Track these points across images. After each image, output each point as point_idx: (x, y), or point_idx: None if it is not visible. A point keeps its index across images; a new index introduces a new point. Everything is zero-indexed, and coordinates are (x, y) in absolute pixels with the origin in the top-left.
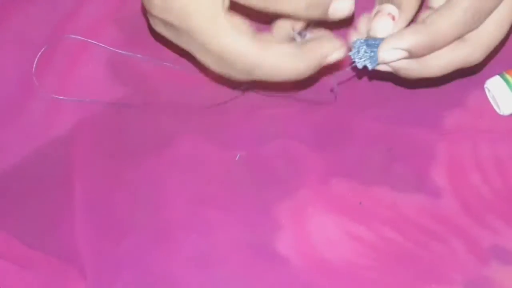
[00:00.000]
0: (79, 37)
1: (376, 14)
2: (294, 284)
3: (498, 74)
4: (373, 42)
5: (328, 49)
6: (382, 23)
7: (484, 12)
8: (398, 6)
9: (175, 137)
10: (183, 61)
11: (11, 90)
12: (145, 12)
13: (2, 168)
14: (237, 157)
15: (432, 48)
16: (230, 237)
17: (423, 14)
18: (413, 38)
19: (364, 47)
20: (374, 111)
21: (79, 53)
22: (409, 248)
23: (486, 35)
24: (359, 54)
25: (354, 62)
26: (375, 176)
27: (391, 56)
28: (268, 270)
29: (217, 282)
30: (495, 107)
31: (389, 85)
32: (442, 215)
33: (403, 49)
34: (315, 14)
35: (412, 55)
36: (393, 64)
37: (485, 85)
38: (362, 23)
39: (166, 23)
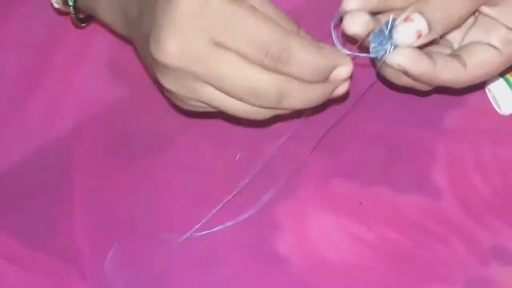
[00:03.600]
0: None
1: (404, 20)
2: (294, 284)
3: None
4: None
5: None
6: (407, 35)
7: None
8: (429, 23)
9: (175, 137)
10: None
11: (11, 90)
12: (147, 67)
13: (2, 168)
14: (237, 157)
15: (425, 81)
16: (230, 237)
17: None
18: (421, 68)
19: (385, 41)
20: (374, 111)
21: (79, 53)
22: (409, 248)
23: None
24: (381, 43)
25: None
26: (375, 176)
27: (398, 65)
28: (268, 270)
29: (217, 282)
30: (495, 107)
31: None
32: (442, 215)
33: (404, 68)
34: (319, 79)
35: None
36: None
37: (486, 85)
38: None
39: (181, 76)
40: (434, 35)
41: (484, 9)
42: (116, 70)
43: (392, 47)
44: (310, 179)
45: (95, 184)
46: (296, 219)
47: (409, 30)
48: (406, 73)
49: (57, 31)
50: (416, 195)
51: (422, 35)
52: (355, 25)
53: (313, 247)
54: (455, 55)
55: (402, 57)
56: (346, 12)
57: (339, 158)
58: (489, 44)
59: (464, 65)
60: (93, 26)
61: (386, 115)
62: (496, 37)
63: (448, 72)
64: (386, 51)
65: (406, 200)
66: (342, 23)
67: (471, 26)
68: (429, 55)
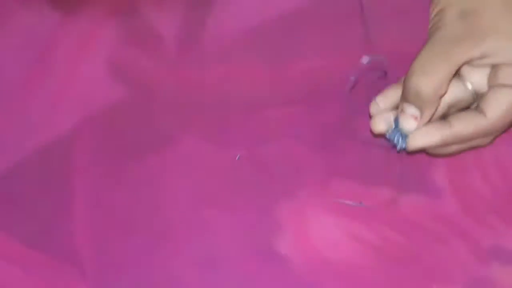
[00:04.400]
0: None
1: (400, 112)
2: (294, 284)
3: None
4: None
5: None
6: (407, 123)
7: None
8: (419, 108)
9: (175, 137)
10: (183, 61)
11: (11, 90)
12: None
13: (2, 168)
14: (238, 157)
15: (453, 143)
16: (230, 237)
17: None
18: (437, 137)
19: (398, 134)
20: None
21: (79, 53)
22: (410, 248)
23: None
24: (394, 137)
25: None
26: (375, 176)
27: (417, 148)
28: (268, 270)
29: (217, 282)
30: None
31: (388, 85)
32: (442, 215)
33: (424, 146)
34: None
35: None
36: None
37: None
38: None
39: None
40: (427, 113)
41: (477, 62)
42: (116, 70)
43: (405, 136)
44: (310, 179)
45: (95, 184)
46: (296, 219)
47: (406, 118)
48: (428, 148)
49: (57, 31)
50: (416, 195)
51: (418, 117)
52: (382, 125)
53: (313, 247)
54: (476, 106)
55: (415, 140)
56: (374, 114)
57: (339, 158)
58: (502, 84)
59: (482, 112)
60: (93, 26)
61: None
62: (503, 76)
63: (467, 126)
64: (401, 142)
65: (406, 200)
66: (371, 123)
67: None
68: (445, 120)
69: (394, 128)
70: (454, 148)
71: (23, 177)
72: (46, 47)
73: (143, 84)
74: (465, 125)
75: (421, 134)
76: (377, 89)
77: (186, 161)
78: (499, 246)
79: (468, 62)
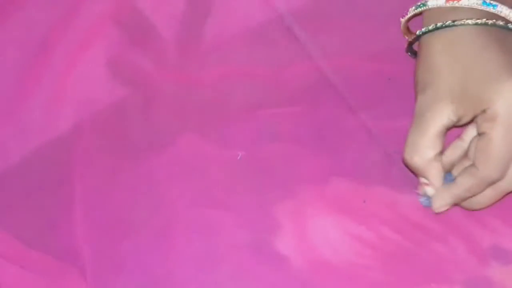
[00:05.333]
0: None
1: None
2: (294, 284)
3: None
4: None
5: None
6: (425, 189)
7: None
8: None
9: (175, 137)
10: (183, 61)
11: (11, 90)
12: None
13: (2, 168)
14: (239, 157)
15: (462, 201)
16: (230, 237)
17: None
18: (448, 197)
19: (427, 199)
20: (374, 111)
21: (79, 53)
22: (409, 248)
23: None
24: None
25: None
26: (375, 176)
27: (439, 210)
28: (268, 270)
29: (217, 282)
30: None
31: (388, 85)
32: (442, 215)
33: (444, 207)
34: None
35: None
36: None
37: None
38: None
39: None
40: (431, 177)
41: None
42: (116, 70)
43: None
44: (310, 179)
45: (95, 184)
46: (296, 219)
47: (423, 186)
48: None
49: (57, 31)
50: (416, 195)
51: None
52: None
53: (313, 247)
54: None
55: (435, 203)
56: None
57: (339, 158)
58: (481, 133)
59: (474, 165)
60: (92, 26)
61: (385, 115)
62: (478, 123)
63: (465, 181)
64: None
65: (406, 200)
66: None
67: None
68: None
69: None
70: (486, 198)
71: (23, 177)
72: (46, 47)
73: (143, 84)
74: (464, 181)
75: (436, 198)
76: (377, 90)
77: (186, 161)
78: (498, 246)
79: (447, 127)
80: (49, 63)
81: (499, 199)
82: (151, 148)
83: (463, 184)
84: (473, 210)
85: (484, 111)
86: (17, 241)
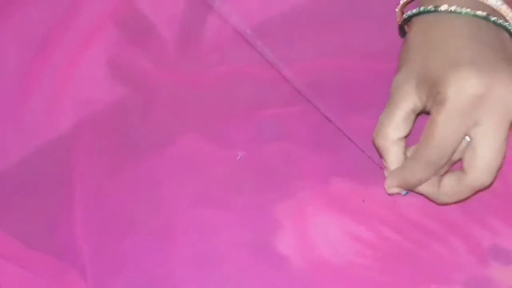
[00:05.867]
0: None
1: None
2: (294, 284)
3: None
4: None
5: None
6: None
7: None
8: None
9: (175, 137)
10: (183, 61)
11: (11, 89)
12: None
13: (2, 168)
14: (239, 157)
15: (409, 185)
16: (230, 237)
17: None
18: (396, 180)
19: None
20: (374, 111)
21: (79, 53)
22: (409, 248)
23: (486, 162)
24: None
25: None
26: (375, 176)
27: (389, 191)
28: (268, 270)
29: (217, 282)
30: None
31: (388, 85)
32: (442, 215)
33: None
34: None
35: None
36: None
37: None
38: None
39: None
40: (386, 160)
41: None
42: (116, 70)
43: None
44: (310, 179)
45: (95, 184)
46: (296, 219)
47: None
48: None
49: (57, 31)
50: (416, 195)
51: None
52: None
53: (313, 247)
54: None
55: (385, 184)
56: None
57: (339, 158)
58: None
59: (464, 171)
60: (92, 26)
61: None
62: (429, 106)
63: (409, 165)
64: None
65: (406, 200)
66: None
67: None
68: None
69: None
70: (450, 190)
71: (23, 177)
72: (46, 47)
73: (143, 84)
74: (410, 163)
75: (387, 179)
76: (377, 90)
77: (186, 161)
78: (498, 246)
79: (413, 110)
80: (49, 63)
81: (470, 196)
82: (151, 148)
83: (407, 166)
84: (441, 204)
85: (436, 94)
86: (17, 241)
